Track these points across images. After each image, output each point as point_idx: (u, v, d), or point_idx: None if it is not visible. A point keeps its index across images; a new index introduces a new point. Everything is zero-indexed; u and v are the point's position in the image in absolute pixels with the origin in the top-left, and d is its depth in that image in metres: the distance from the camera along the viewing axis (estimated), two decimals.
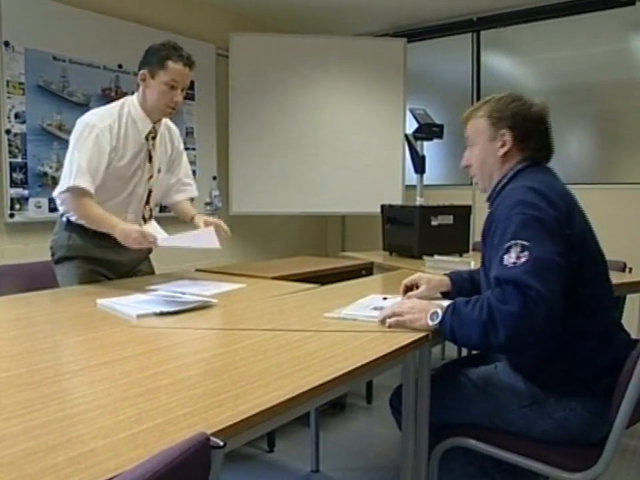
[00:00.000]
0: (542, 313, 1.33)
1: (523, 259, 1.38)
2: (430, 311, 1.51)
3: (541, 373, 1.56)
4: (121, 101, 2.31)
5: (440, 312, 1.49)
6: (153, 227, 2.38)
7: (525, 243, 1.40)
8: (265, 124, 4.83)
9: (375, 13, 5.01)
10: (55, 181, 3.71)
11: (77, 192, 2.15)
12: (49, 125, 3.70)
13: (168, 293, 1.89)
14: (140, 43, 4.02)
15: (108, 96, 3.96)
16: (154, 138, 2.34)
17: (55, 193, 2.27)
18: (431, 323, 1.50)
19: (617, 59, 4.44)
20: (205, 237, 2.30)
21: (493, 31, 4.95)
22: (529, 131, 1.63)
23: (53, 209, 3.73)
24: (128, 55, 4.09)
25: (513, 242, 1.42)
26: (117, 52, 4.06)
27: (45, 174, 3.70)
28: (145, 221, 2.43)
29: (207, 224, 2.36)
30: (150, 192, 2.40)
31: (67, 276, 2.31)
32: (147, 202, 2.41)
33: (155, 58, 2.22)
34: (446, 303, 1.55)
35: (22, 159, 3.59)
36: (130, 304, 1.77)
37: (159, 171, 2.42)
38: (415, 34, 5.19)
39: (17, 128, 3.55)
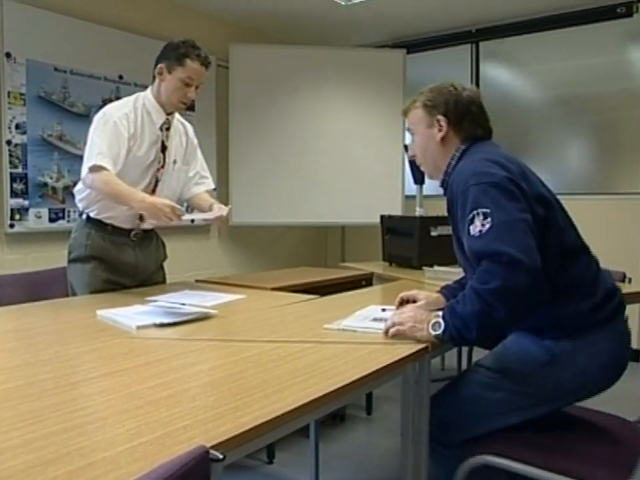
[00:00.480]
0: (522, 273, 1.39)
1: (487, 226, 1.45)
2: (431, 320, 1.52)
3: (548, 325, 1.58)
4: (135, 95, 2.37)
5: (441, 321, 1.50)
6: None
7: (485, 210, 1.47)
8: (264, 134, 4.85)
9: (374, 24, 5.04)
10: (55, 191, 3.73)
11: (99, 170, 2.17)
12: (50, 135, 3.71)
13: (168, 304, 1.89)
14: (140, 54, 4.11)
15: None
16: (168, 129, 2.39)
17: (77, 187, 2.36)
18: (433, 333, 1.50)
19: (615, 69, 4.46)
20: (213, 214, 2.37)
21: (491, 42, 4.98)
22: (461, 113, 1.72)
23: (52, 219, 3.74)
24: (128, 66, 4.12)
25: (475, 212, 1.49)
26: (118, 63, 4.08)
27: (46, 184, 3.70)
28: None
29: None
30: (157, 182, 2.39)
31: (79, 279, 2.33)
32: (153, 191, 2.40)
33: (173, 54, 2.27)
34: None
35: (22, 169, 3.59)
36: (130, 315, 1.77)
37: (175, 162, 2.44)
38: (414, 45, 5.22)
39: (18, 138, 3.56)
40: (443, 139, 1.73)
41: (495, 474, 1.57)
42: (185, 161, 2.52)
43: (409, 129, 1.86)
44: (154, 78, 2.34)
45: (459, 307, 1.49)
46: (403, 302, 1.93)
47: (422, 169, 1.86)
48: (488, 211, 1.46)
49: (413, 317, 1.56)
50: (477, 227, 1.47)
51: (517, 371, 1.60)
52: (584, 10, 4.48)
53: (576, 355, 1.55)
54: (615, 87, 4.47)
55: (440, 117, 1.72)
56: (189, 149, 2.55)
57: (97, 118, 2.27)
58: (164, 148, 2.38)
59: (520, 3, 4.49)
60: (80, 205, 2.38)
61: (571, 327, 1.57)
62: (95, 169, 2.16)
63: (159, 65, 2.30)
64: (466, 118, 1.72)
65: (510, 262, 1.39)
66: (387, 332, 1.56)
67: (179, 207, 2.17)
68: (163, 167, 2.38)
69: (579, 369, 1.55)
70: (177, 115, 2.46)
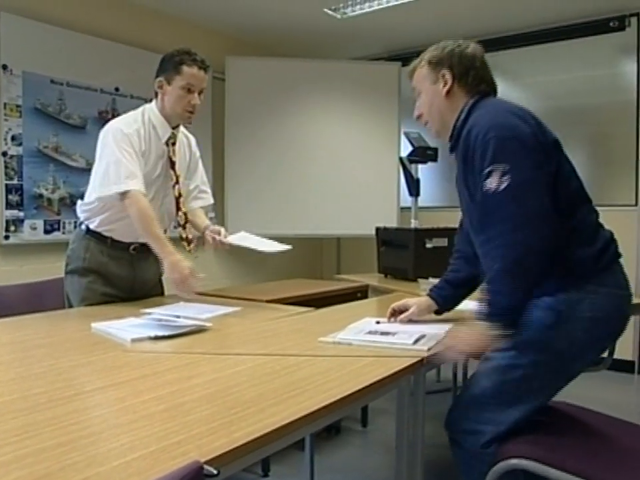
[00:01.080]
0: (532, 233, 1.47)
1: (505, 184, 1.48)
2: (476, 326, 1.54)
3: (550, 278, 1.58)
4: (140, 108, 2.34)
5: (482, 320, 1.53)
6: (241, 236, 2.39)
7: (504, 166, 1.49)
8: (260, 147, 4.86)
9: (369, 37, 5.08)
10: (51, 203, 3.73)
11: (133, 194, 2.14)
12: (46, 147, 3.72)
13: (162, 317, 1.89)
14: (136, 67, 4.13)
15: (104, 119, 3.97)
16: (174, 144, 2.37)
17: (85, 200, 2.31)
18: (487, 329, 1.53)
19: (609, 82, 4.51)
20: (271, 242, 2.40)
21: (486, 54, 4.99)
22: (466, 67, 1.73)
23: (48, 230, 3.74)
24: (124, 78, 4.13)
25: (492, 167, 1.50)
26: (114, 75, 4.10)
27: (41, 196, 3.70)
28: (183, 227, 2.43)
29: (213, 239, 2.37)
30: (179, 197, 2.38)
31: (76, 292, 2.31)
32: (179, 208, 2.40)
33: (169, 64, 2.26)
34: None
35: (18, 180, 3.60)
36: (124, 328, 1.77)
37: (179, 176, 2.42)
38: (410, 57, 5.17)
39: (14, 150, 3.57)
40: (448, 93, 1.73)
41: (513, 474, 1.54)
42: (188, 175, 2.50)
43: (414, 89, 1.85)
44: (156, 94, 2.31)
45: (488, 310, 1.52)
46: (395, 312, 1.94)
47: (427, 126, 1.84)
48: (507, 167, 1.48)
49: (461, 337, 1.59)
50: (492, 183, 1.49)
51: (530, 340, 1.58)
52: (578, 23, 4.53)
53: (579, 307, 1.55)
54: (608, 99, 4.51)
55: (445, 71, 1.73)
56: (192, 162, 2.53)
57: (111, 133, 2.21)
58: (173, 164, 2.35)
59: (514, 17, 4.54)
60: (82, 216, 2.36)
61: (571, 276, 1.57)
62: (129, 194, 2.14)
63: (158, 79, 2.28)
64: (470, 72, 1.73)
65: (520, 224, 1.46)
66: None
67: (191, 283, 2.15)
68: (177, 182, 2.35)
69: (587, 322, 1.54)
70: (181, 127, 2.44)
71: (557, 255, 1.56)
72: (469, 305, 2.32)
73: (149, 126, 2.29)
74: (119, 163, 2.16)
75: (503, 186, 1.47)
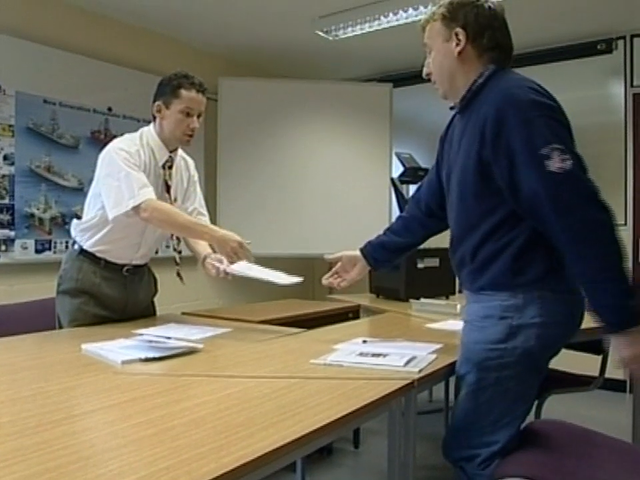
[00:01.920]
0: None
1: (569, 162, 1.41)
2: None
3: (505, 284, 1.57)
4: (139, 131, 2.32)
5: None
6: (244, 266, 2.31)
7: (561, 146, 1.43)
8: (253, 167, 4.88)
9: (361, 59, 5.13)
10: (42, 222, 3.72)
11: (150, 204, 2.12)
12: (38, 166, 3.72)
13: (153, 338, 1.88)
14: (129, 87, 4.16)
15: (97, 138, 4.00)
16: (170, 167, 2.35)
17: (84, 219, 2.31)
18: None
19: (596, 103, 4.57)
20: (279, 274, 2.37)
21: None
22: (482, 27, 1.62)
23: (39, 250, 3.72)
24: (117, 98, 4.16)
25: (549, 147, 1.42)
26: (107, 95, 4.12)
27: (32, 215, 3.70)
28: (179, 251, 2.45)
29: (217, 269, 2.30)
30: None
31: (68, 313, 2.29)
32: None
33: (167, 88, 2.25)
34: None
35: (9, 200, 3.59)
36: (115, 349, 1.76)
37: (175, 200, 2.40)
38: (401, 79, 5.30)
39: (5, 169, 3.56)
40: (460, 53, 1.63)
41: None
42: (185, 199, 2.48)
43: (425, 44, 1.75)
44: (154, 117, 2.30)
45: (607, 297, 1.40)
46: (336, 270, 2.13)
47: (435, 86, 1.75)
48: (563, 147, 1.42)
49: None
50: (556, 163, 1.41)
51: (488, 358, 1.57)
52: (566, 46, 4.61)
53: (527, 312, 1.53)
54: (596, 120, 4.56)
55: (458, 30, 1.62)
56: (189, 184, 2.50)
57: (113, 152, 2.18)
58: (168, 188, 2.34)
59: None
60: (77, 235, 2.33)
61: (522, 280, 1.55)
62: (143, 205, 2.10)
63: (156, 103, 2.27)
64: (485, 33, 1.62)
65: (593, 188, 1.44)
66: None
67: (245, 249, 2.16)
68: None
69: (537, 328, 1.53)
70: (179, 150, 2.42)
71: (519, 257, 1.55)
72: (456, 325, 2.33)
73: (147, 149, 2.28)
74: (129, 176, 2.13)
75: (569, 164, 1.41)
